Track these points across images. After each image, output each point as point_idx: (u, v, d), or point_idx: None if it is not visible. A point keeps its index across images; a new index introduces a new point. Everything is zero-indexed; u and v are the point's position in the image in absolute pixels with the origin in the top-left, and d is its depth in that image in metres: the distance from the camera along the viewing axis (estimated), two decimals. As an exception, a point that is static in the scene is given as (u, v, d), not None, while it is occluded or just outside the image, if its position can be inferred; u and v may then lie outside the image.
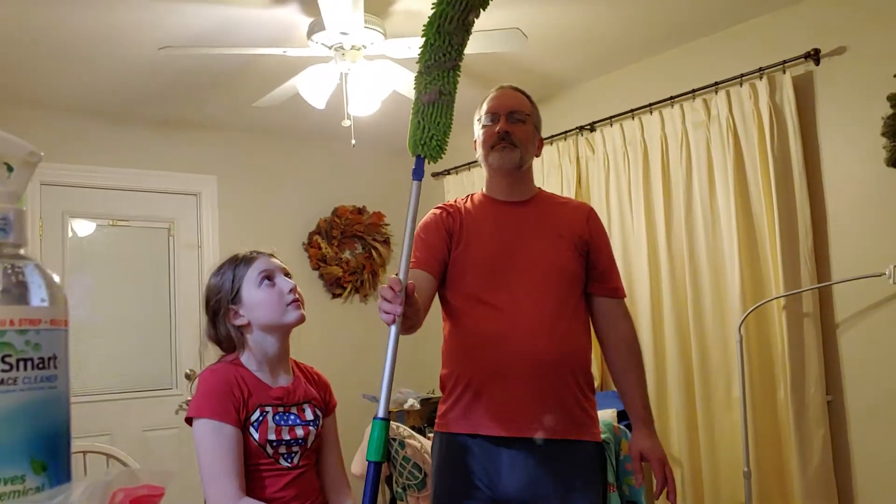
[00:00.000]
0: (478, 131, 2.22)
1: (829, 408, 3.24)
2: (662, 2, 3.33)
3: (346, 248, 5.27)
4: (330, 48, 3.14)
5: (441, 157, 1.68)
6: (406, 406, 4.37)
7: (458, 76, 1.68)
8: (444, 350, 2.18)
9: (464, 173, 4.94)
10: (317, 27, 3.11)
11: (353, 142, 3.49)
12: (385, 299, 1.62)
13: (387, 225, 5.43)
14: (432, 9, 1.62)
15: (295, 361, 2.00)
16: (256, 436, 1.78)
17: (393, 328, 1.62)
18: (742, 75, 3.45)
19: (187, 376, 4.58)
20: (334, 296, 5.21)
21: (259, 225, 4.94)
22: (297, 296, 1.88)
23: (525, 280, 2.08)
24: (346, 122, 3.31)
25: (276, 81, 3.54)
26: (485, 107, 2.21)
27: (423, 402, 4.47)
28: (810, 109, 3.33)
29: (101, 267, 4.55)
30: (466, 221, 2.15)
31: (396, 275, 1.65)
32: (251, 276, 1.86)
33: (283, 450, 1.82)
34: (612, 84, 4.20)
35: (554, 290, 2.09)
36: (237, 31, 3.35)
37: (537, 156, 2.26)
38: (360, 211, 5.34)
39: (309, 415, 1.88)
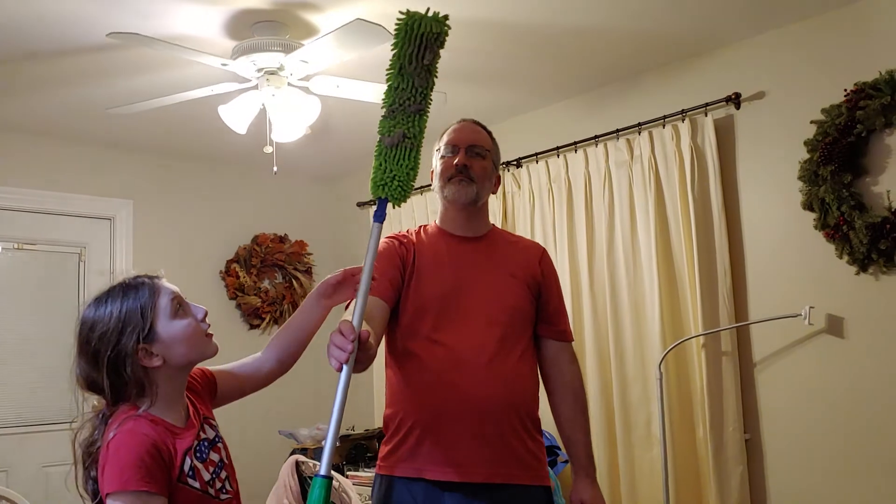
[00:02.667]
0: (436, 162, 2.18)
1: (747, 446, 3.27)
2: (587, 44, 3.36)
3: (265, 278, 5.14)
4: (254, 73, 3.06)
5: (405, 200, 1.60)
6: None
7: (425, 121, 1.62)
8: (388, 389, 2.09)
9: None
10: (239, 51, 3.03)
11: (275, 169, 3.40)
12: (335, 345, 1.48)
13: (309, 254, 5.33)
14: (392, 50, 1.59)
15: None
16: (197, 484, 1.58)
17: (343, 375, 1.46)
18: (665, 117, 3.51)
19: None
20: (252, 327, 5.06)
21: (175, 252, 4.77)
22: (208, 325, 1.68)
23: (475, 319, 2.02)
24: (268, 149, 3.22)
25: (194, 101, 3.44)
26: (445, 138, 2.17)
27: (343, 438, 4.36)
28: (730, 152, 3.40)
29: (5, 292, 4.31)
30: (419, 254, 2.09)
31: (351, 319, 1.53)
32: (163, 305, 1.60)
33: (218, 484, 1.63)
34: (538, 121, 4.23)
35: (504, 329, 2.04)
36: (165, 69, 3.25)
37: (494, 192, 2.22)
38: (282, 239, 5.22)
39: (210, 432, 1.68)
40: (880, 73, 2.90)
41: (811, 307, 3.05)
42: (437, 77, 1.63)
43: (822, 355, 3.10)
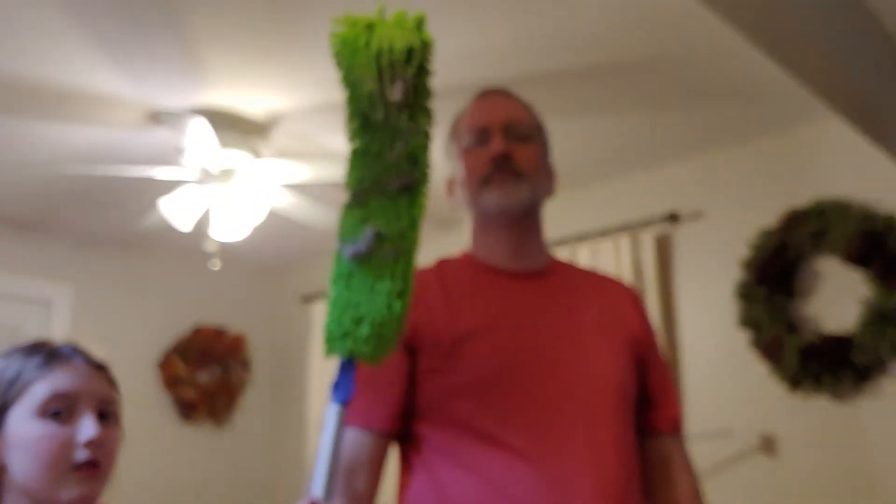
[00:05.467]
0: (456, 162, 1.47)
1: (680, 564, 3.23)
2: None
3: (202, 370, 5.03)
4: (199, 171, 3.07)
5: (386, 354, 0.94)
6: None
7: (421, 207, 0.97)
8: None
9: (334, 300, 4.83)
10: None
11: (217, 266, 3.38)
12: None
13: (247, 348, 5.24)
14: (344, 88, 0.96)
15: None
16: None
17: None
18: (606, 230, 3.59)
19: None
20: (185, 419, 4.92)
21: (114, 339, 4.64)
22: (92, 456, 1.05)
23: (569, 410, 1.29)
24: (210, 247, 3.20)
25: (142, 192, 3.44)
26: (466, 121, 1.46)
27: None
28: (669, 267, 3.48)
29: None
30: (450, 307, 1.34)
31: None
32: (35, 395, 1.07)
33: None
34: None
35: (615, 425, 1.32)
36: (108, 150, 3.28)
37: (550, 194, 1.52)
38: (220, 331, 5.14)
39: None
40: (811, 202, 3.03)
41: (745, 424, 3.09)
42: (432, 124, 0.98)
43: (753, 473, 3.12)
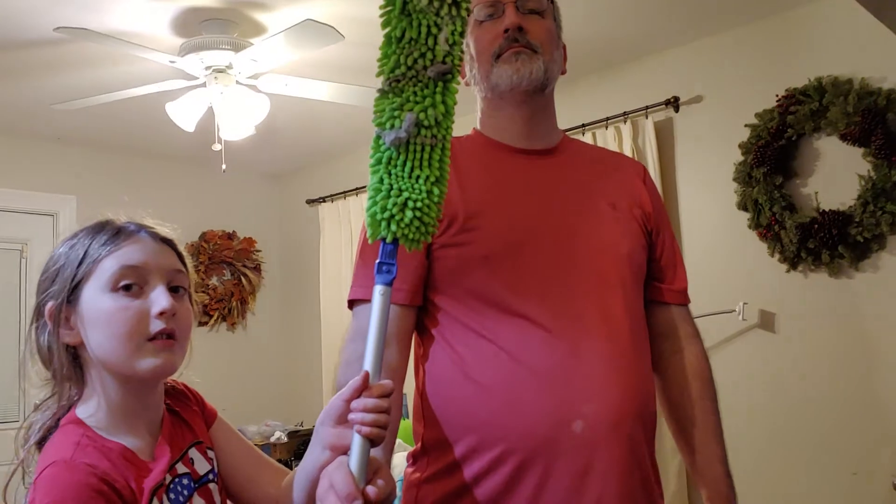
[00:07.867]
0: (466, 38, 1.39)
1: (684, 438, 3.38)
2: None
3: (213, 275, 5.13)
4: (202, 71, 3.07)
5: (427, 239, 0.96)
6: (273, 439, 4.28)
7: (454, 93, 0.97)
8: (425, 391, 1.34)
9: (339, 202, 4.89)
10: (187, 49, 3.04)
11: (224, 167, 3.41)
12: (361, 410, 0.93)
13: (258, 251, 5.33)
14: None
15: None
16: None
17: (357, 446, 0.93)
18: (608, 118, 3.60)
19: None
20: (200, 324, 5.04)
21: (121, 248, 4.73)
22: (166, 326, 1.07)
23: (582, 281, 1.31)
24: (217, 147, 3.23)
25: (141, 97, 3.43)
26: None
27: (291, 434, 4.39)
28: (670, 153, 3.51)
29: (-57, 289, 4.23)
30: (465, 183, 1.34)
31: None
32: (105, 270, 1.08)
33: None
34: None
35: (626, 296, 1.35)
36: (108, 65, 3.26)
37: (563, 72, 1.49)
38: (230, 236, 5.22)
39: (202, 466, 1.16)
40: (809, 80, 3.03)
41: (745, 303, 3.17)
42: (468, 12, 0.96)
43: (754, 349, 3.23)
